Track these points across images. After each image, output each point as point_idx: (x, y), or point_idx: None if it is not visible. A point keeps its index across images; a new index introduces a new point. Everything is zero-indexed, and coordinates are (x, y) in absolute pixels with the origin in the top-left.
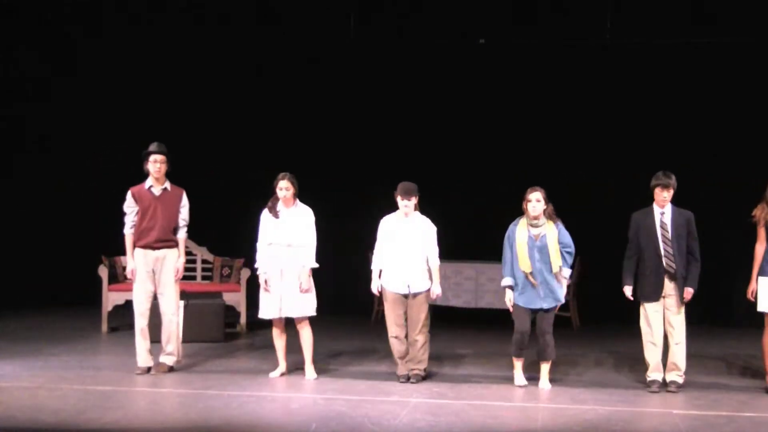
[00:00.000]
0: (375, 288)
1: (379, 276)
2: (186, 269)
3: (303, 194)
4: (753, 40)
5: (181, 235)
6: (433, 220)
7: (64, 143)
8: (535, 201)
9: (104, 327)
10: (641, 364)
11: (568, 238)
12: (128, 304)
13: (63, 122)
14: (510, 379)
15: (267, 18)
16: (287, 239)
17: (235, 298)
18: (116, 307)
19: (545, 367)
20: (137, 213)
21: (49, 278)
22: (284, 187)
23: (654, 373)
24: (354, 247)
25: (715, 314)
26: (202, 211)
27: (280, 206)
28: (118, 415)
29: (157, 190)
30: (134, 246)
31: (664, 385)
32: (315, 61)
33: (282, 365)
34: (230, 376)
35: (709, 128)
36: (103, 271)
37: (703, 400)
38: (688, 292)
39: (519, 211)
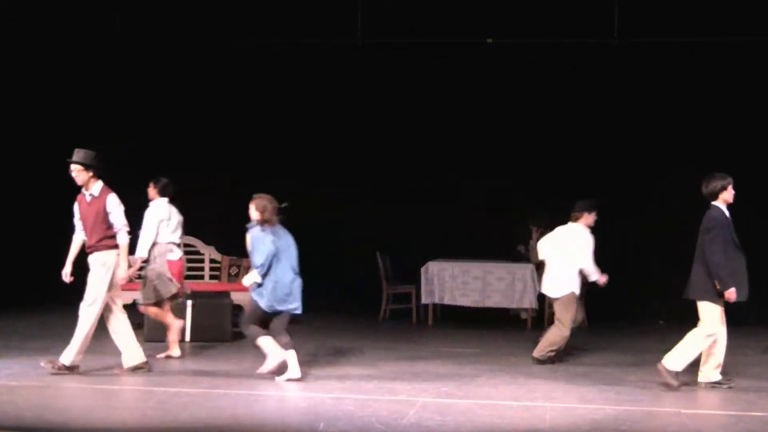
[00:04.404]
0: None
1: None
2: (194, 268)
3: (312, 195)
4: (763, 40)
5: (120, 240)
6: (442, 219)
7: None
8: None
9: None
10: (649, 364)
11: None
12: (135, 304)
13: (70, 121)
14: (517, 379)
15: (272, 20)
16: None
17: (243, 298)
18: (124, 307)
19: None
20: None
21: (57, 278)
22: None
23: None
24: (363, 247)
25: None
26: (210, 210)
27: None
28: (125, 414)
29: (87, 197)
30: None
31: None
32: (322, 61)
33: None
34: (238, 376)
35: (713, 128)
36: None
37: (712, 400)
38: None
39: (526, 211)
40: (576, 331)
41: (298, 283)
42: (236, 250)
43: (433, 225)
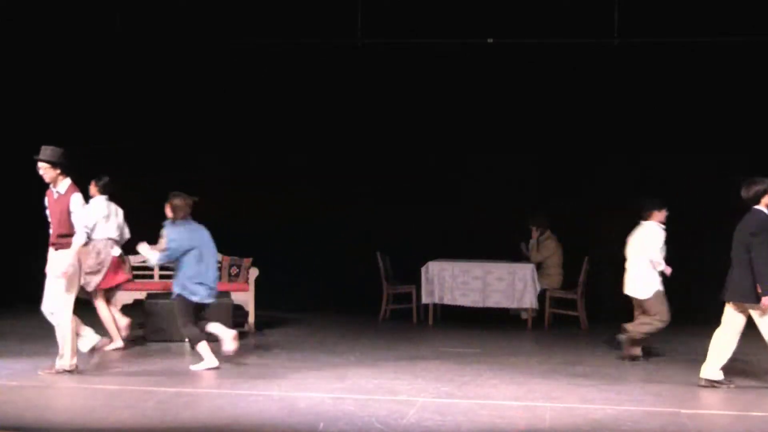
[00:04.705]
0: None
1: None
2: None
3: (312, 195)
4: (763, 40)
5: (74, 238)
6: (442, 219)
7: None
8: None
9: None
10: (649, 363)
11: None
12: (136, 303)
13: (69, 120)
14: (517, 379)
15: (272, 20)
16: None
17: (243, 297)
18: (124, 306)
19: None
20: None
21: None
22: None
23: None
24: (363, 247)
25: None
26: (210, 210)
27: None
28: (125, 414)
29: (54, 194)
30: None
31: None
32: (322, 61)
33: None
34: (238, 375)
35: (713, 128)
36: None
37: (712, 400)
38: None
39: (526, 211)
40: (578, 332)
41: (217, 275)
42: (237, 250)
43: (433, 225)
